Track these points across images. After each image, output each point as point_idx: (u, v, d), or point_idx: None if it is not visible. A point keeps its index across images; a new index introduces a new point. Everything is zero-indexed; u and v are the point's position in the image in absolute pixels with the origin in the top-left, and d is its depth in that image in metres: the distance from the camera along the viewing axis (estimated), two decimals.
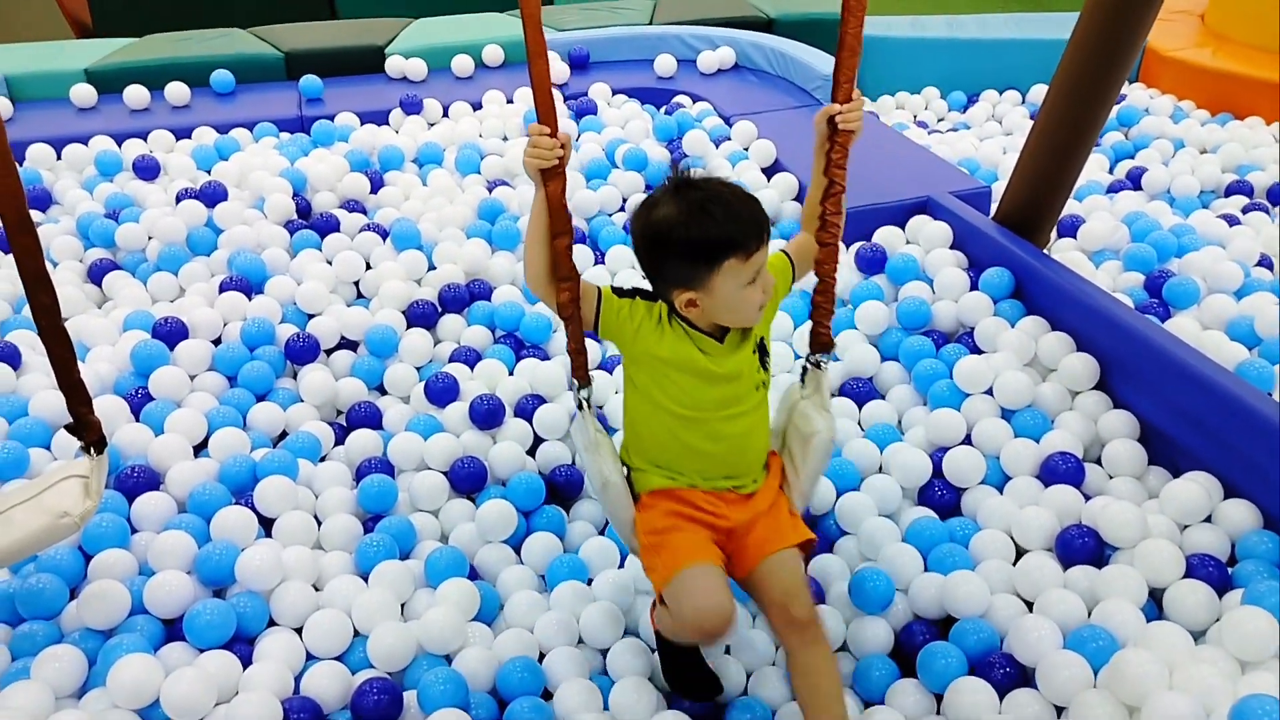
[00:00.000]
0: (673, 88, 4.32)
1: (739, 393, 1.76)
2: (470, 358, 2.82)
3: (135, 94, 4.07)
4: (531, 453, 2.54)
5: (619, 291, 1.77)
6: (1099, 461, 2.39)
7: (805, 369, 1.95)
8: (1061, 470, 2.29)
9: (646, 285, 1.77)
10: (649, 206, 1.67)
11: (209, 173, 3.56)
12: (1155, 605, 2.02)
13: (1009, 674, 1.89)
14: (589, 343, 1.92)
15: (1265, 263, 3.17)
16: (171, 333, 2.73)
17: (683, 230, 1.61)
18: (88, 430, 1.82)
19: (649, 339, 1.73)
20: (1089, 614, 1.96)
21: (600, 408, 2.52)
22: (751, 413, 1.80)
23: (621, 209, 3.52)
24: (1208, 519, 2.16)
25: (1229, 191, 3.79)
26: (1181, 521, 2.15)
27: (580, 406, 1.86)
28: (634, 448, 1.86)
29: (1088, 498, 2.25)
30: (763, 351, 1.80)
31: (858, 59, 1.77)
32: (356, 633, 2.04)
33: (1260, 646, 1.80)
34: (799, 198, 3.45)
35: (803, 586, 1.78)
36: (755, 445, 1.84)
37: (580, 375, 1.86)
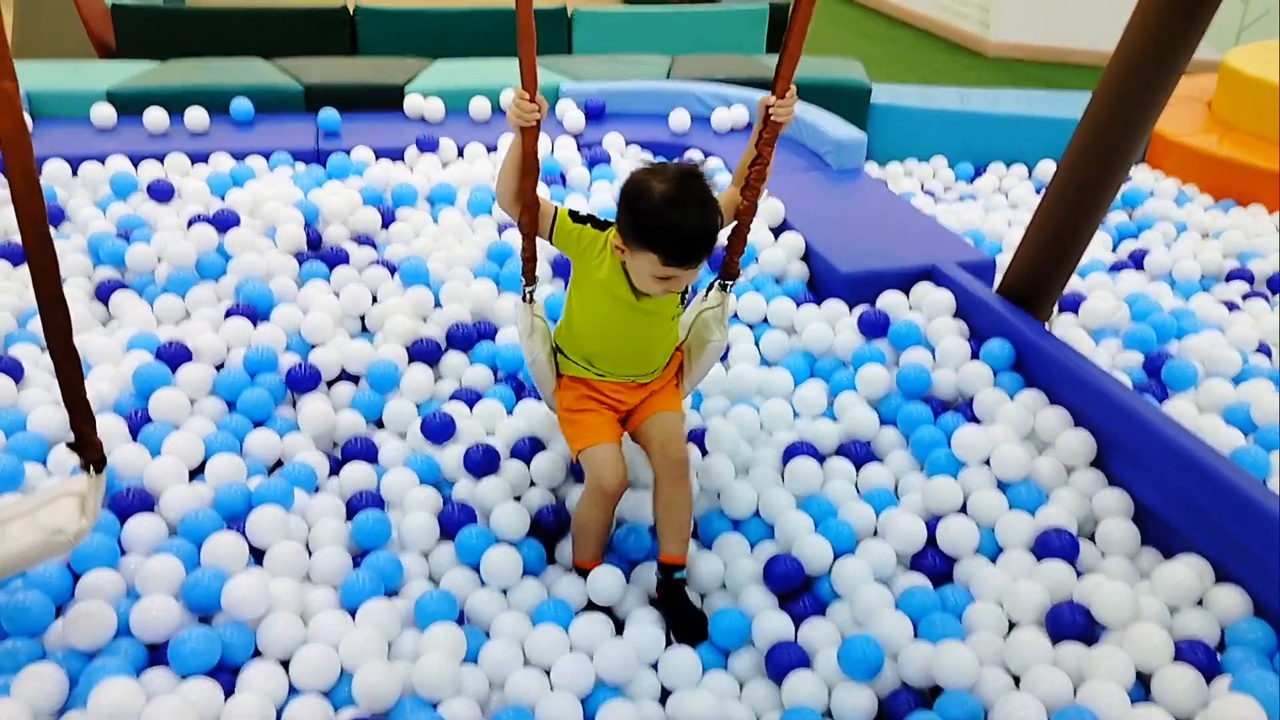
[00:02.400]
0: (685, 143, 4.37)
1: (656, 322, 2.21)
2: (470, 397, 2.83)
3: (154, 117, 4.12)
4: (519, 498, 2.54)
5: (574, 215, 2.17)
6: (1092, 538, 2.40)
7: (711, 286, 2.36)
8: (1055, 545, 2.29)
9: (602, 216, 2.18)
10: (657, 169, 2.02)
11: (223, 199, 3.59)
12: (1143, 688, 2.01)
13: None
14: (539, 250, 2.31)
15: (1264, 350, 3.20)
16: (174, 355, 2.74)
17: (647, 205, 1.95)
18: (89, 449, 1.82)
19: (591, 261, 2.15)
20: (1075, 693, 1.95)
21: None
22: (662, 334, 2.26)
23: None
24: (1199, 603, 2.16)
25: (1230, 277, 3.83)
26: (1172, 604, 2.15)
27: (525, 298, 2.31)
28: (565, 336, 2.30)
29: (1080, 574, 2.25)
30: (684, 292, 2.20)
31: (799, 52, 2.05)
32: (342, 670, 2.02)
33: None
34: (805, 257, 3.48)
35: (681, 435, 2.30)
36: (659, 352, 2.30)
37: (528, 276, 2.30)
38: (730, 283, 2.36)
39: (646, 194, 1.96)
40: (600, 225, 2.17)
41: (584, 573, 2.31)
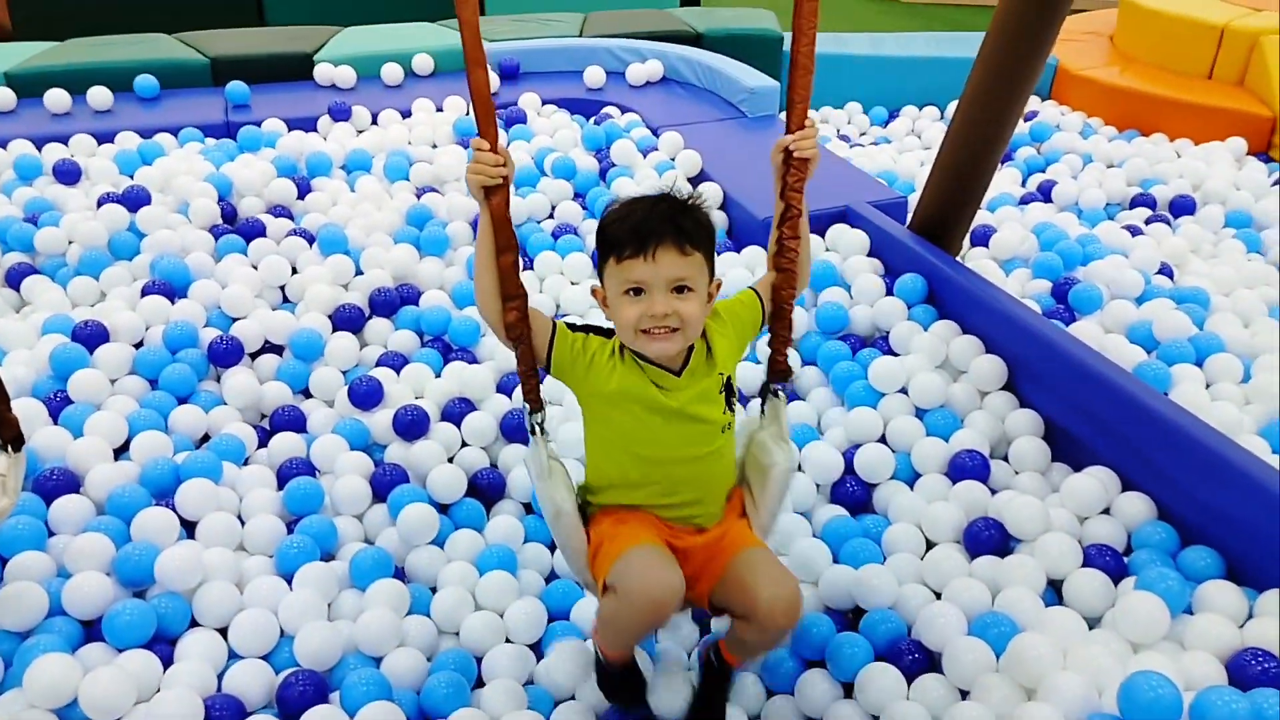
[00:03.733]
0: (602, 99, 4.38)
1: (702, 433, 1.70)
2: (397, 362, 2.84)
3: (56, 98, 4.02)
4: (452, 459, 2.56)
5: (572, 327, 1.72)
6: (1006, 459, 2.49)
7: (764, 399, 1.89)
8: (969, 466, 2.38)
9: (599, 324, 1.76)
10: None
11: (131, 177, 3.53)
12: (1056, 594, 2.11)
13: (917, 660, 1.97)
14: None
15: (1165, 271, 3.32)
16: (91, 336, 2.71)
17: (606, 218, 1.65)
18: (4, 427, 1.81)
19: (600, 374, 1.68)
20: (993, 601, 2.04)
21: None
22: (716, 456, 1.73)
23: (550, 216, 3.58)
24: (1106, 511, 2.26)
25: (1134, 204, 3.96)
26: (1081, 514, 2.25)
27: (533, 432, 1.77)
28: (592, 480, 1.80)
29: (994, 492, 2.35)
30: (729, 390, 1.73)
31: (810, 80, 1.74)
32: (282, 633, 2.04)
33: (1151, 629, 1.90)
34: (724, 206, 3.52)
35: (785, 572, 1.69)
36: (718, 489, 1.78)
37: (532, 400, 1.76)
38: (781, 388, 1.88)
39: (613, 207, 1.67)
40: (605, 333, 1.73)
41: (604, 657, 1.82)
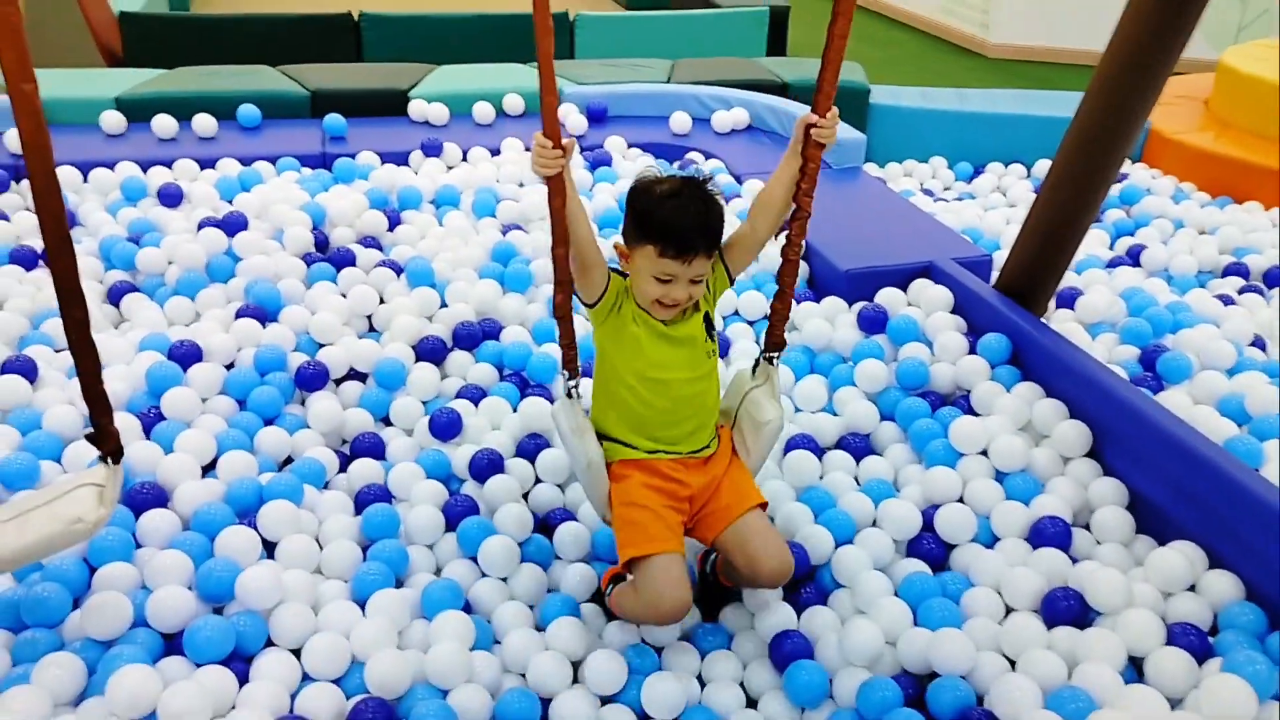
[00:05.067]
0: (686, 144, 4.42)
1: (696, 355, 2.05)
2: (476, 395, 2.88)
3: (163, 123, 4.18)
4: (526, 494, 2.58)
5: (614, 270, 2.04)
6: (1088, 528, 2.44)
7: (758, 361, 2.23)
8: (1050, 533, 2.34)
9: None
10: (662, 176, 1.99)
11: (231, 203, 3.65)
12: (1136, 672, 2.05)
13: None
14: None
15: (1258, 343, 3.24)
16: (186, 355, 2.79)
17: (649, 200, 1.93)
18: (107, 439, 1.87)
19: (626, 312, 2.02)
20: (1069, 675, 2.00)
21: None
22: (706, 378, 2.09)
23: None
24: (1191, 588, 2.20)
25: (1226, 273, 3.88)
26: (1165, 590, 2.19)
27: (569, 395, 2.10)
28: (605, 418, 2.10)
29: (1075, 561, 2.30)
30: (709, 324, 2.09)
31: (839, 67, 1.96)
32: (353, 658, 2.07)
33: (1237, 714, 1.84)
34: (805, 255, 3.52)
35: (782, 540, 2.08)
36: (707, 407, 2.11)
37: (571, 367, 2.12)
38: (776, 355, 2.22)
39: (649, 190, 1.95)
40: (622, 274, 2.06)
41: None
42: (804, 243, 2.14)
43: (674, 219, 1.90)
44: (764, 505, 2.12)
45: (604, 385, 2.10)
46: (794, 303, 3.14)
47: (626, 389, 2.05)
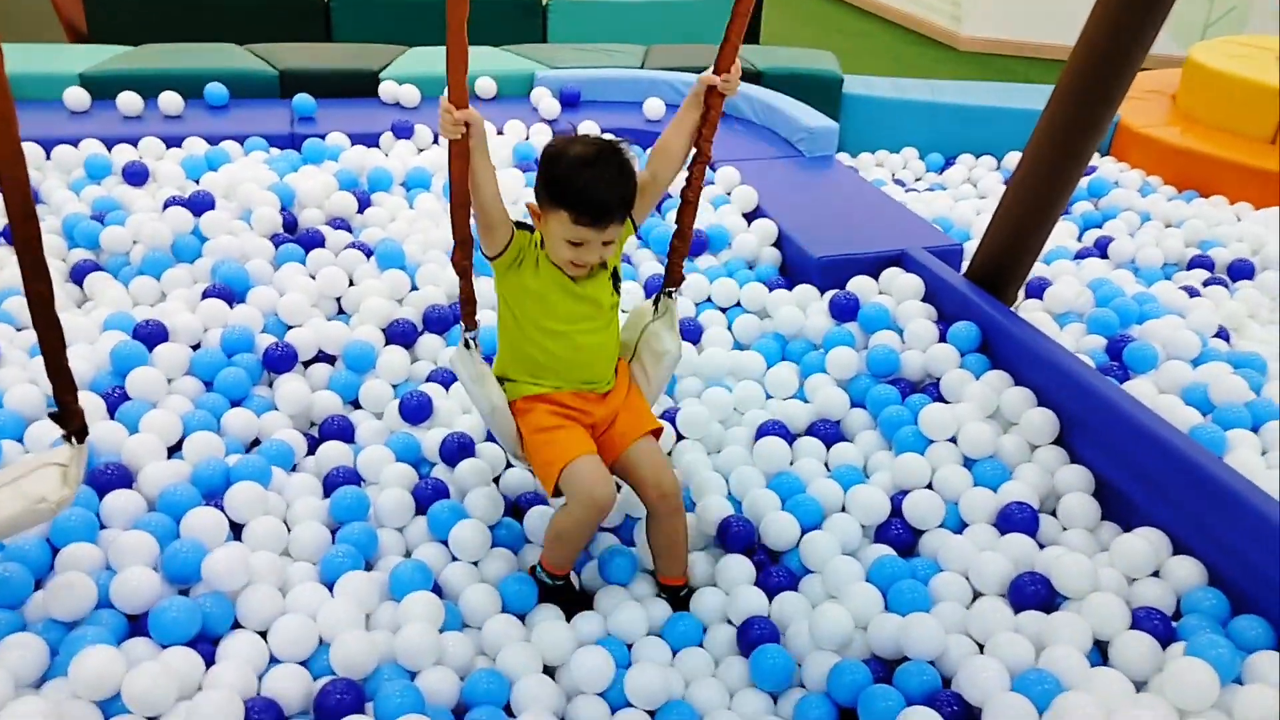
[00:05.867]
0: (660, 130, 4.37)
1: (596, 311, 2.13)
2: (447, 378, 2.86)
3: (128, 101, 4.12)
4: (498, 479, 2.58)
5: (518, 224, 2.07)
6: (1054, 513, 2.46)
7: (658, 296, 2.31)
8: (1017, 519, 2.36)
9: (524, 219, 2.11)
10: (577, 137, 2.02)
11: (198, 182, 3.60)
12: (1101, 655, 2.08)
13: (956, 712, 1.93)
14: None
15: (1222, 334, 3.28)
16: (151, 335, 2.75)
17: (562, 166, 1.94)
18: (71, 418, 1.84)
19: (529, 265, 2.07)
20: (1036, 658, 2.01)
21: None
22: (605, 328, 2.17)
23: None
24: (1155, 573, 2.23)
25: (1191, 265, 3.92)
26: (1130, 574, 2.22)
27: (467, 345, 2.19)
28: (508, 364, 2.20)
29: (1042, 547, 2.32)
30: (615, 278, 2.16)
31: (745, 25, 2.05)
32: (320, 640, 2.05)
33: (1199, 697, 1.86)
34: (778, 243, 3.53)
35: (667, 465, 2.22)
36: (607, 354, 2.21)
37: (468, 320, 2.23)
38: (675, 290, 2.31)
39: (563, 154, 1.95)
40: (529, 228, 2.10)
41: (552, 577, 2.25)
42: (702, 185, 2.25)
43: (590, 188, 1.93)
44: (658, 432, 2.25)
45: (506, 335, 2.19)
46: (766, 288, 3.21)
47: (527, 340, 2.13)
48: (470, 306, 2.21)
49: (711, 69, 2.10)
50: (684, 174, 2.25)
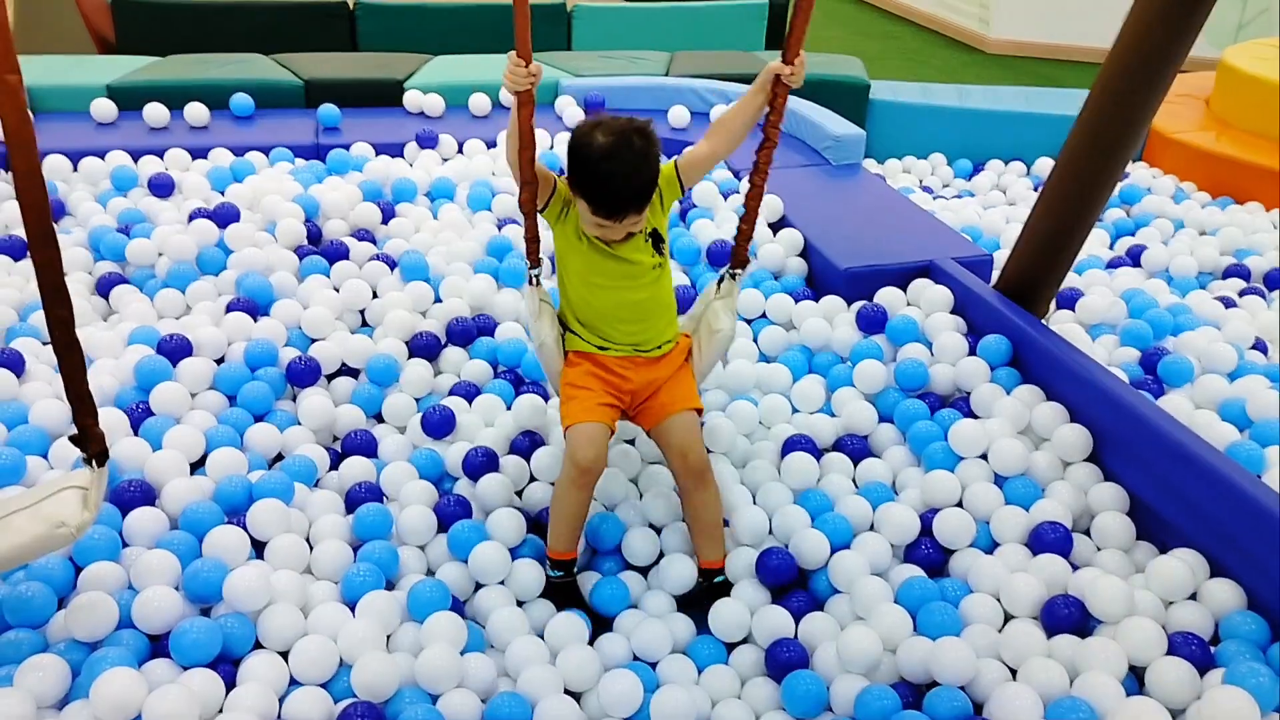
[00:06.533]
0: (685, 139, 4.37)
1: (634, 270, 2.20)
2: (470, 392, 2.84)
3: (155, 112, 4.13)
4: (520, 491, 2.56)
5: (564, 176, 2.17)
6: (1088, 533, 2.41)
7: (722, 277, 2.41)
8: (1050, 539, 2.31)
9: None
10: (604, 120, 2.06)
11: (223, 194, 3.60)
12: (1136, 681, 2.03)
13: None
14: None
15: (1259, 346, 3.21)
16: (175, 349, 2.75)
17: (584, 154, 2.03)
18: (91, 442, 1.83)
19: (572, 223, 2.19)
20: (1070, 684, 1.97)
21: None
22: (649, 286, 2.24)
23: None
24: (1193, 596, 2.17)
25: (1227, 274, 3.85)
26: (1166, 598, 2.16)
27: (530, 282, 2.33)
28: (565, 310, 2.33)
29: (1075, 568, 2.27)
30: (656, 239, 2.22)
31: (810, 14, 2.14)
32: (341, 661, 2.04)
33: None
34: (804, 253, 3.49)
35: (699, 440, 2.30)
36: (654, 312, 2.29)
37: (532, 258, 2.34)
38: (739, 272, 2.41)
39: (586, 143, 2.03)
40: None
41: (558, 564, 2.31)
42: (768, 169, 2.33)
43: (607, 183, 2.02)
44: (699, 410, 2.35)
45: (561, 280, 2.31)
46: (792, 300, 3.18)
47: (572, 287, 2.27)
48: (534, 245, 2.32)
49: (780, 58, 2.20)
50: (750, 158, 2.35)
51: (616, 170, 2.01)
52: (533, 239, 2.32)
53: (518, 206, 2.26)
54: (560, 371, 2.34)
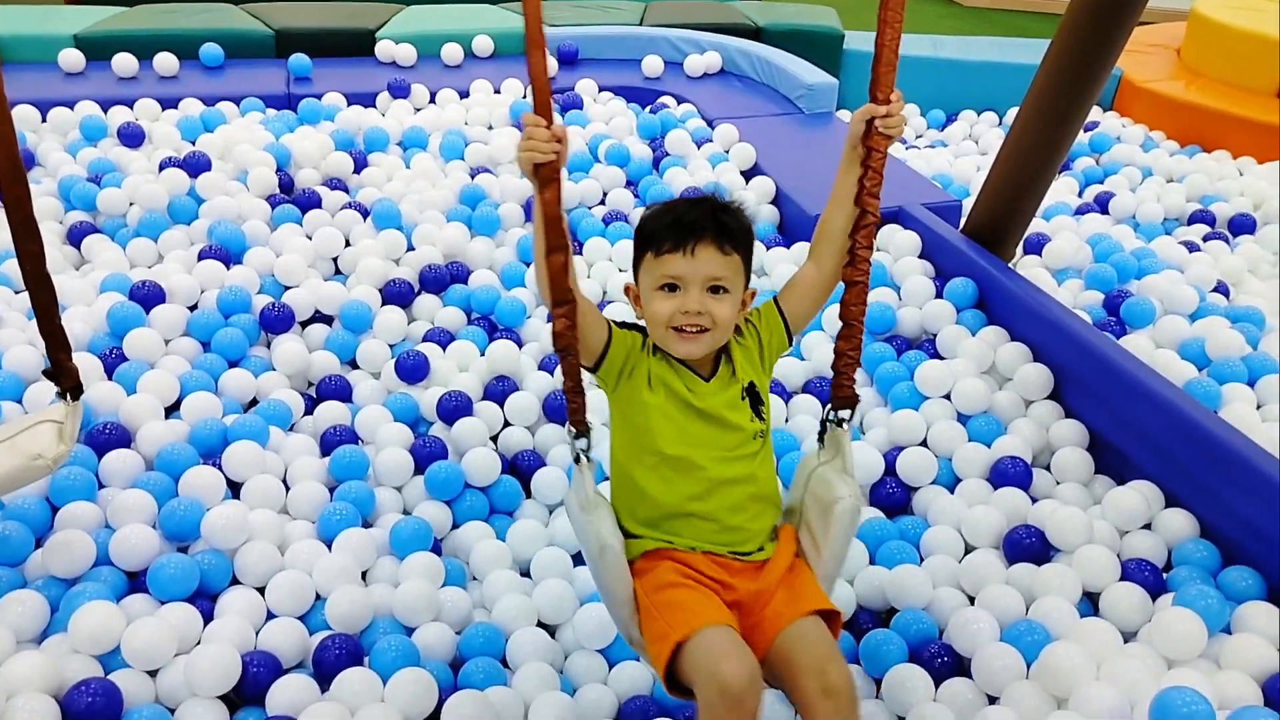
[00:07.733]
0: (658, 88, 4.38)
1: (731, 437, 1.61)
2: (443, 338, 2.87)
3: (123, 62, 4.09)
4: (495, 436, 2.59)
5: (622, 325, 1.63)
6: (1048, 468, 2.47)
7: (824, 428, 1.72)
8: (1010, 473, 2.37)
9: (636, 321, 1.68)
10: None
11: (193, 143, 3.58)
12: (1091, 605, 2.09)
13: (946, 663, 1.96)
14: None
15: (1222, 289, 3.27)
16: (148, 296, 2.76)
17: (652, 212, 1.62)
18: (65, 376, 1.85)
19: (640, 374, 1.61)
20: (1027, 609, 2.03)
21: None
22: (749, 460, 1.63)
23: (602, 202, 3.59)
24: (1147, 526, 2.24)
25: (1192, 220, 3.90)
26: (1122, 528, 2.23)
27: (577, 460, 1.60)
28: (622, 505, 1.65)
29: (1035, 501, 2.33)
30: (754, 398, 1.65)
31: (899, 38, 1.56)
32: (317, 595, 2.08)
33: (1187, 646, 1.88)
34: (775, 201, 3.52)
35: (836, 653, 1.51)
36: (756, 495, 1.64)
37: (578, 422, 1.60)
38: (845, 416, 1.70)
39: (655, 209, 1.63)
40: (641, 330, 1.65)
41: None
42: (871, 259, 1.65)
43: (669, 212, 1.59)
44: (830, 616, 1.57)
45: (619, 467, 1.66)
46: (763, 246, 3.18)
47: (645, 470, 1.61)
48: (577, 400, 1.59)
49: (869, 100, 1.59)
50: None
51: (693, 204, 1.59)
52: (575, 390, 1.58)
53: (551, 343, 1.56)
54: (628, 592, 1.58)
